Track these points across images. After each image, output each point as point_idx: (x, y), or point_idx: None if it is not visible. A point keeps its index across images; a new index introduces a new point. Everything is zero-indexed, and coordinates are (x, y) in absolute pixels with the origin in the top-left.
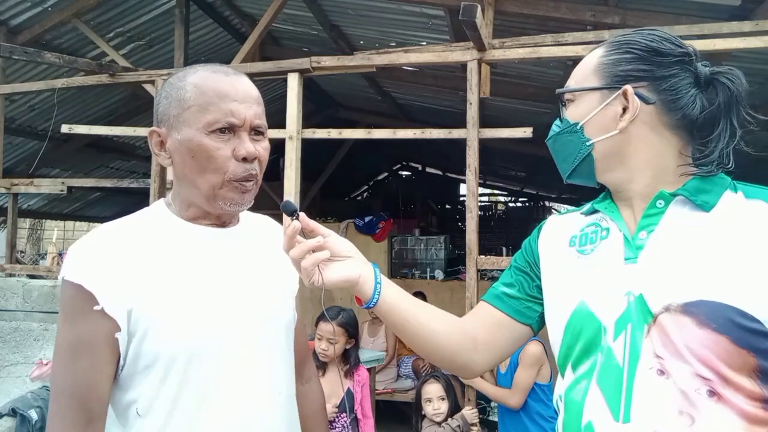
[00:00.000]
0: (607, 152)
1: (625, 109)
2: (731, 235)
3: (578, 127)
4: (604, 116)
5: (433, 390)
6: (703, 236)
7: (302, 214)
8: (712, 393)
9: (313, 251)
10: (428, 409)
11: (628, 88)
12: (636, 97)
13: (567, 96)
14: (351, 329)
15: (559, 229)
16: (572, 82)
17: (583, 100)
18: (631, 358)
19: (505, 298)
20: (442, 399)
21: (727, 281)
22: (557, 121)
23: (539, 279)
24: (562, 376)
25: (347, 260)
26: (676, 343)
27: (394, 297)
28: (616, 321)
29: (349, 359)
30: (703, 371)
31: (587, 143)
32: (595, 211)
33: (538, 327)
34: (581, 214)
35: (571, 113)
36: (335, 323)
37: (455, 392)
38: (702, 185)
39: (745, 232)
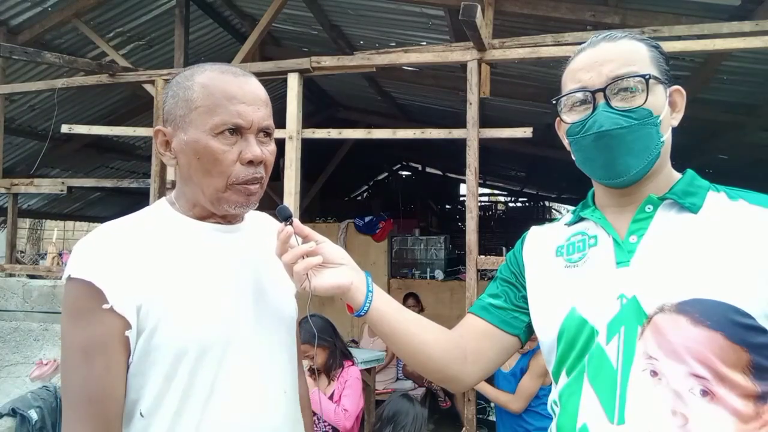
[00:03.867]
0: (664, 151)
1: (671, 109)
2: (720, 235)
3: (659, 120)
4: (667, 113)
5: None
6: (694, 237)
7: (296, 220)
8: (706, 392)
9: (306, 256)
10: None
11: (680, 88)
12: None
13: (632, 84)
14: (324, 341)
15: (544, 240)
16: (635, 68)
17: (656, 92)
18: (625, 360)
19: (491, 309)
20: None
21: (720, 279)
22: (615, 110)
23: (525, 289)
24: (556, 382)
25: (339, 267)
26: (672, 342)
27: (386, 307)
28: (608, 324)
29: (330, 367)
30: (698, 369)
31: (661, 139)
32: (579, 220)
33: (525, 337)
34: (565, 224)
35: (651, 103)
36: (303, 343)
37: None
38: (687, 188)
39: (734, 231)
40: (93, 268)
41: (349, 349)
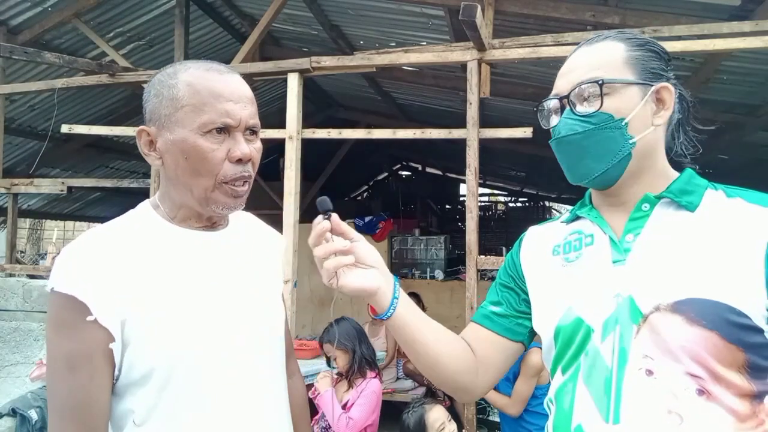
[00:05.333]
0: (642, 152)
1: (657, 107)
2: (717, 233)
3: (623, 123)
4: (644, 113)
5: (441, 413)
6: (691, 236)
7: (335, 215)
8: (701, 392)
9: (339, 254)
10: None
11: (668, 85)
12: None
13: (589, 89)
14: (342, 344)
15: (541, 240)
16: (600, 73)
17: (624, 94)
18: (620, 359)
19: (494, 318)
20: (450, 420)
21: (716, 278)
22: (576, 115)
23: (526, 293)
24: (552, 379)
25: (370, 270)
26: (667, 341)
27: (408, 315)
28: (604, 322)
29: (349, 371)
30: (694, 369)
31: (630, 141)
32: (576, 219)
33: (529, 342)
34: (561, 222)
35: (610, 106)
36: (324, 343)
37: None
38: (684, 186)
39: (730, 230)
40: (76, 281)
41: None
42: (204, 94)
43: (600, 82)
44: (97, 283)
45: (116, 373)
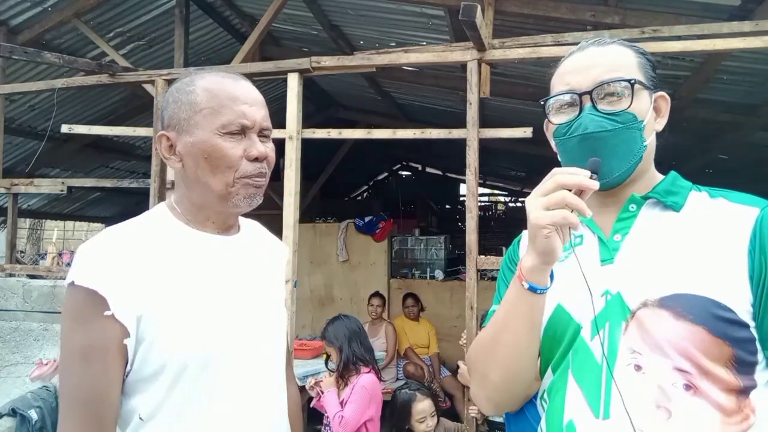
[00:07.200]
0: (648, 155)
1: (656, 114)
2: (702, 232)
3: (643, 125)
4: (651, 117)
5: (426, 407)
6: (676, 234)
7: (596, 184)
8: (689, 387)
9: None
10: (421, 427)
11: (665, 94)
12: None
13: (618, 88)
14: (329, 341)
15: None
16: (623, 73)
17: (642, 97)
18: (609, 355)
19: None
20: (433, 415)
21: (701, 274)
22: (601, 113)
23: None
24: (541, 378)
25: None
26: (655, 336)
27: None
28: (593, 320)
29: (340, 369)
30: (682, 363)
31: (644, 143)
32: None
33: None
34: None
35: (636, 107)
36: (322, 340)
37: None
38: (669, 187)
39: (714, 228)
40: (97, 276)
41: None
42: (221, 97)
43: (633, 81)
44: (117, 279)
45: (128, 368)
